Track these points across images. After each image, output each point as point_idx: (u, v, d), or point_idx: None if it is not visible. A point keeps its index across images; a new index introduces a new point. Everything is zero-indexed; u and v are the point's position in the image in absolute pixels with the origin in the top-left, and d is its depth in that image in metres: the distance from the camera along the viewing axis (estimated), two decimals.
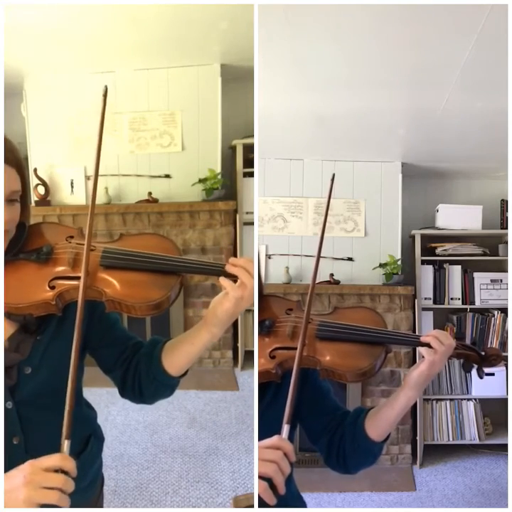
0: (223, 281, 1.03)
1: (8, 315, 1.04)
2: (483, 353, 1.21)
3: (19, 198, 1.06)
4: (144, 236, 1.16)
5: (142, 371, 1.13)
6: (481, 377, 1.22)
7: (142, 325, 3.82)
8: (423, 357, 1.11)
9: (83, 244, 1.03)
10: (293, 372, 1.05)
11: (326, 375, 1.14)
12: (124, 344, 1.18)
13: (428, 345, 1.11)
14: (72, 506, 1.19)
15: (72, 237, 1.11)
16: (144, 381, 1.14)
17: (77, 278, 1.01)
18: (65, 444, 0.87)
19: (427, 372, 1.09)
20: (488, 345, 3.55)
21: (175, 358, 1.11)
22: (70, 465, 0.85)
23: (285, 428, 0.97)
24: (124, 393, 1.20)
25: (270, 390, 1.17)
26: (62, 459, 0.85)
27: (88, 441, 1.23)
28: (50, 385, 1.07)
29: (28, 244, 1.08)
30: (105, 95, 1.05)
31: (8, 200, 1.02)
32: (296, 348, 1.09)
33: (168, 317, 3.87)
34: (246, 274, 1.02)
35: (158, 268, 1.06)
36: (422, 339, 1.12)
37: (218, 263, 1.08)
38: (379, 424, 1.14)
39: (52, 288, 1.03)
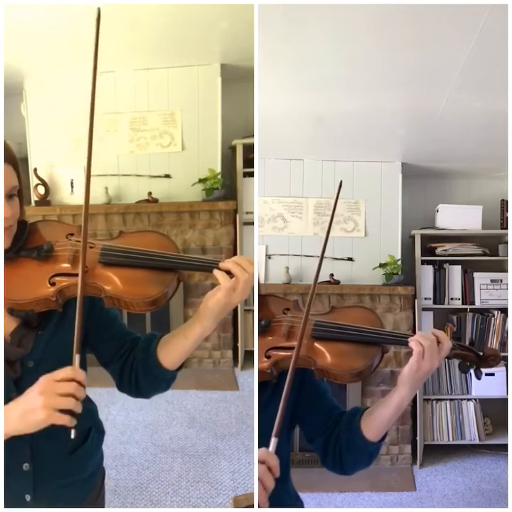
0: (216, 272, 1.05)
1: (11, 311, 1.07)
2: (480, 354, 1.20)
3: (17, 193, 1.09)
4: (143, 233, 1.18)
5: (139, 365, 1.16)
6: (479, 378, 1.20)
7: (142, 324, 3.82)
8: None
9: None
10: (288, 375, 1.03)
11: (321, 375, 1.14)
12: (122, 339, 1.21)
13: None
14: (73, 498, 1.21)
15: (72, 234, 1.13)
16: (141, 375, 1.16)
17: (77, 275, 1.03)
18: (76, 358, 0.96)
19: (416, 367, 1.08)
20: (488, 346, 3.55)
21: (169, 352, 1.12)
22: (81, 376, 0.94)
23: (273, 441, 0.95)
24: (121, 387, 1.22)
25: (268, 389, 1.17)
26: (73, 370, 0.94)
27: (89, 434, 1.26)
28: None
29: (29, 242, 1.11)
30: (98, 19, 1.04)
31: (9, 196, 1.05)
32: (291, 348, 1.09)
33: (167, 316, 3.87)
34: (238, 267, 1.04)
35: (156, 265, 1.08)
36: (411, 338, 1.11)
37: (215, 260, 1.08)
38: (374, 424, 1.14)
39: (53, 284, 1.06)
